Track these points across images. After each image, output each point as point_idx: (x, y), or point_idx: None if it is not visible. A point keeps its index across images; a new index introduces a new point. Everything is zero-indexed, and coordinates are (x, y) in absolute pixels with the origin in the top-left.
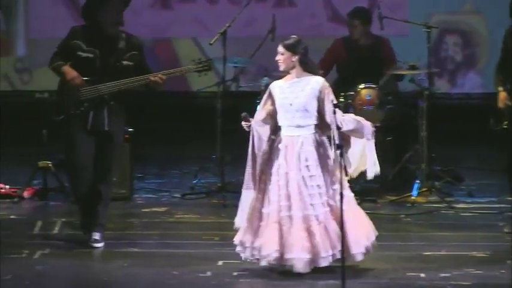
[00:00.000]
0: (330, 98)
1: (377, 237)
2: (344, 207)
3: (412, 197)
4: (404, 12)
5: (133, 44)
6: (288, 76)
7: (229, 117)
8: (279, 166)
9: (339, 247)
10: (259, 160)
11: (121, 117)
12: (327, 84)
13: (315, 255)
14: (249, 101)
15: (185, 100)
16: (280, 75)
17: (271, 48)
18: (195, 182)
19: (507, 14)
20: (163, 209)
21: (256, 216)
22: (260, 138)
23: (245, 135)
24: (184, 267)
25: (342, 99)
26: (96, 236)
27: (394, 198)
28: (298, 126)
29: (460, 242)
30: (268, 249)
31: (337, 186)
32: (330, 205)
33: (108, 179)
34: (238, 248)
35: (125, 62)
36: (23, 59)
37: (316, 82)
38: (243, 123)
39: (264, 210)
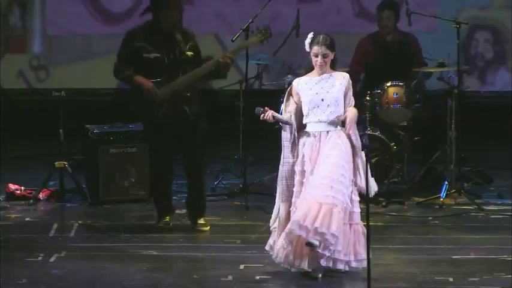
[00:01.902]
0: (350, 95)
1: (405, 240)
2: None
3: (441, 199)
4: (433, 8)
5: (188, 35)
6: (313, 72)
7: (251, 117)
8: (303, 164)
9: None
10: (286, 167)
11: (199, 107)
12: (350, 80)
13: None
14: (273, 100)
15: (206, 98)
16: (304, 73)
17: (295, 45)
18: (216, 183)
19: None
20: (183, 211)
21: (285, 220)
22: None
23: (268, 135)
24: (205, 271)
25: (368, 98)
26: (202, 220)
27: (421, 200)
28: (328, 122)
29: (490, 245)
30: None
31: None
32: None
33: (200, 167)
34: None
35: (189, 53)
36: (39, 56)
37: (344, 78)
38: (262, 116)
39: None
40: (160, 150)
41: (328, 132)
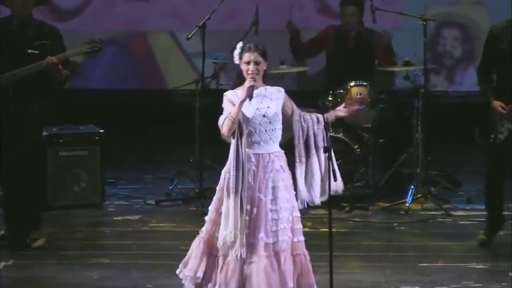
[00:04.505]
0: (290, 104)
1: (369, 247)
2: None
3: (406, 204)
4: (399, 4)
5: (45, 33)
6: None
7: (208, 117)
8: (245, 188)
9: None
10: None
11: (31, 110)
12: (286, 94)
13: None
14: None
15: (161, 99)
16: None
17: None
18: (171, 187)
19: (510, 6)
20: (136, 217)
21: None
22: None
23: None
24: (159, 280)
25: (331, 98)
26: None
27: (386, 205)
28: (271, 141)
29: (458, 253)
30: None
31: (298, 214)
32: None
33: (16, 177)
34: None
35: (29, 50)
36: None
37: (280, 91)
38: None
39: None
40: None
41: (269, 154)
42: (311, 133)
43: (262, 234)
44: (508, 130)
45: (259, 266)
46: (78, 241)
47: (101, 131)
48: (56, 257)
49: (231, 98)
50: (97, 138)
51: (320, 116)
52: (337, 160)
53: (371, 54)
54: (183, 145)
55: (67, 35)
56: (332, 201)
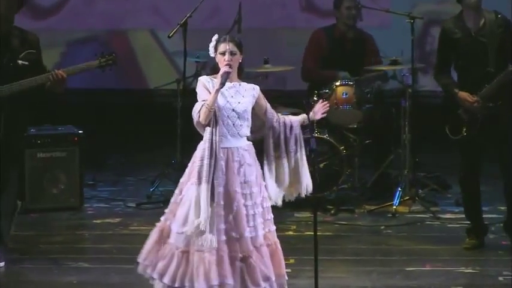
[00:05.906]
0: (263, 103)
1: (355, 251)
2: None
3: (394, 207)
4: (386, 2)
5: (28, 42)
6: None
7: (190, 118)
8: (217, 183)
9: (273, 277)
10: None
11: (20, 120)
12: (260, 92)
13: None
14: None
15: (141, 99)
16: (254, 73)
17: None
18: (152, 189)
19: (498, 3)
20: (116, 220)
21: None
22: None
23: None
24: (140, 285)
25: (316, 98)
26: None
27: (373, 207)
28: (239, 136)
29: (447, 257)
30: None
31: (269, 204)
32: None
33: (8, 189)
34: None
35: (20, 62)
36: None
37: (254, 89)
38: (227, 69)
39: None
40: None
41: (238, 149)
42: (282, 137)
43: (244, 229)
44: (478, 122)
45: (249, 261)
46: (57, 245)
47: (80, 131)
48: (33, 261)
49: (205, 84)
50: (76, 139)
51: (294, 121)
52: (322, 162)
53: (364, 58)
54: (164, 146)
55: (46, 33)
56: (317, 204)
